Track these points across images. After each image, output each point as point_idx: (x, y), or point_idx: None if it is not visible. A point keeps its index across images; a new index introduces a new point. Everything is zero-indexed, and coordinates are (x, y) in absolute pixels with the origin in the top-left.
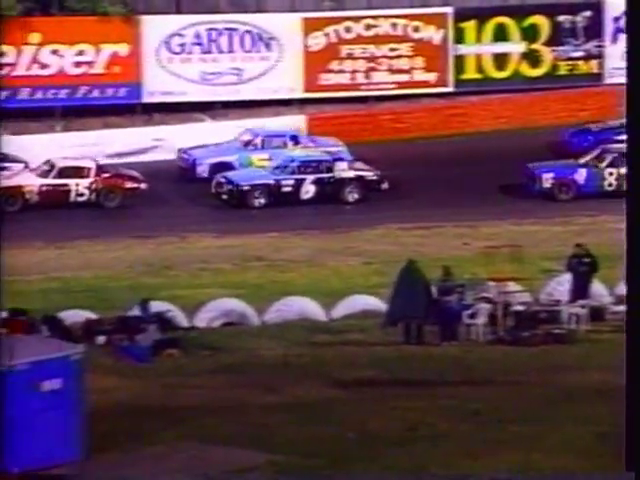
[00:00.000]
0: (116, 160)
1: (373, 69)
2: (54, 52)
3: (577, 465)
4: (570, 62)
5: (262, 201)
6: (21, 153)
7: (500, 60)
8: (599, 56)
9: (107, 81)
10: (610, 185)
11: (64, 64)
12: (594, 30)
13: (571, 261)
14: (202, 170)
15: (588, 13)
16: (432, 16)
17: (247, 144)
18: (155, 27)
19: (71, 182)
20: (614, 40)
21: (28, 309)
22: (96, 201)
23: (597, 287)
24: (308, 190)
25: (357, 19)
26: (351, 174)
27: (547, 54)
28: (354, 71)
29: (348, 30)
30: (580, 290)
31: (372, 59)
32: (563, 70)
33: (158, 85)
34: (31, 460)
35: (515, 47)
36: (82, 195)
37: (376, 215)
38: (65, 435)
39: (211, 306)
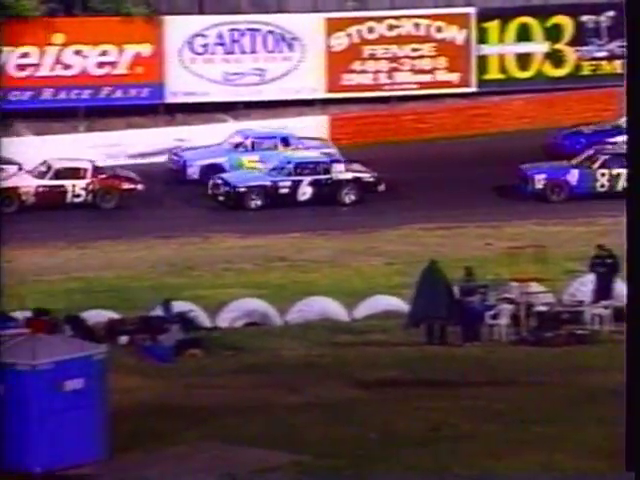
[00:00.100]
0: (139, 160)
1: (396, 69)
2: (77, 53)
3: (599, 466)
4: (593, 62)
5: (258, 203)
6: (20, 154)
7: (523, 60)
8: (623, 56)
9: (130, 81)
10: (602, 186)
11: (87, 65)
12: (618, 30)
13: (594, 262)
14: (193, 172)
15: (611, 13)
16: (455, 16)
17: (237, 146)
18: (178, 27)
19: (68, 183)
20: None
21: (51, 309)
22: (93, 202)
23: (620, 288)
24: (305, 192)
25: (380, 19)
26: (348, 176)
27: (570, 54)
28: (377, 71)
29: (371, 30)
30: (603, 291)
31: (395, 59)
32: (586, 70)
33: (181, 85)
34: (54, 460)
35: (538, 47)
36: (79, 196)
37: (398, 215)
38: (87, 435)
39: (233, 306)
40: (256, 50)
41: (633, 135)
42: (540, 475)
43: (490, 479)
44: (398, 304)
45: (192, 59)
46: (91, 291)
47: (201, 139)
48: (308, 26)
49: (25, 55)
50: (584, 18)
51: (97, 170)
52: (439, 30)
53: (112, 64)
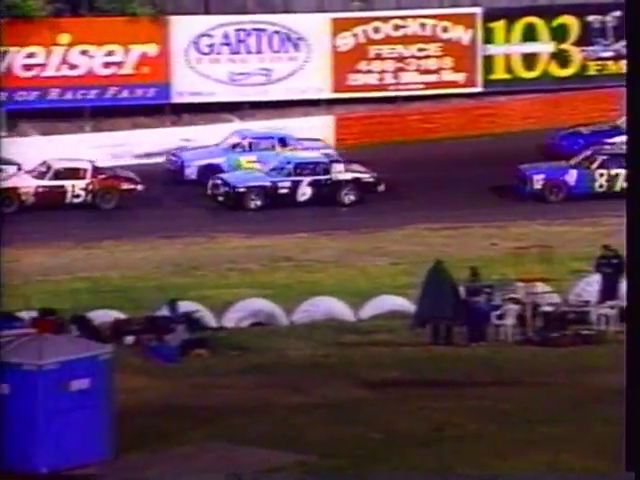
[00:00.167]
0: (145, 160)
1: (401, 69)
2: (83, 53)
3: (606, 466)
4: (600, 62)
5: (258, 203)
6: (18, 155)
7: (529, 60)
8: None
9: (136, 81)
10: (601, 186)
11: (93, 65)
12: (624, 30)
13: (599, 262)
14: (190, 172)
15: (618, 13)
16: (461, 16)
17: (235, 146)
18: (184, 28)
19: (67, 183)
20: None
21: (57, 309)
22: (92, 202)
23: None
24: (305, 192)
25: (386, 19)
26: (348, 176)
27: (576, 54)
28: (382, 71)
29: (377, 30)
30: (609, 291)
31: (400, 59)
32: (592, 70)
33: (187, 85)
34: (59, 460)
35: (544, 47)
36: (78, 196)
37: (404, 215)
38: (93, 435)
39: (239, 306)
40: (262, 50)
41: (633, 135)
42: (545, 475)
43: (495, 479)
44: (404, 304)
45: (198, 59)
46: (97, 291)
47: (207, 139)
48: (314, 26)
49: (31, 55)
50: (590, 18)
51: (97, 170)
52: (445, 30)
53: (118, 64)
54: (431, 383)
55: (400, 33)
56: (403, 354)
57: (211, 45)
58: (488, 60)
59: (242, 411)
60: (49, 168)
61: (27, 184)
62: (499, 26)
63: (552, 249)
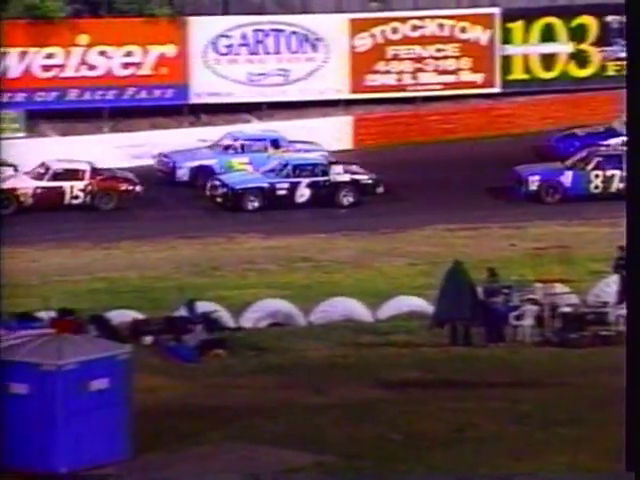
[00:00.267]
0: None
1: (420, 70)
2: (102, 53)
3: (622, 468)
4: (618, 62)
5: (256, 204)
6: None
7: (548, 60)
8: None
9: (154, 82)
10: (596, 187)
11: (112, 65)
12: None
13: (618, 262)
14: (182, 174)
15: None
16: (479, 17)
17: (227, 148)
18: (202, 28)
19: (66, 184)
20: None
21: (75, 309)
22: (91, 203)
23: None
24: (303, 193)
25: (404, 20)
26: (346, 178)
27: (595, 54)
28: (401, 72)
29: (395, 31)
30: None
31: (419, 60)
32: (611, 70)
33: (205, 86)
34: (78, 460)
35: (563, 47)
36: (77, 197)
37: (422, 216)
38: (112, 435)
39: (257, 307)
40: (280, 51)
41: (633, 135)
42: (565, 476)
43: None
44: (422, 305)
45: (216, 60)
46: (115, 291)
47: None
48: (332, 27)
49: (50, 56)
50: (609, 18)
51: (95, 171)
52: (463, 30)
53: (137, 65)
54: (450, 384)
55: (418, 33)
56: (421, 355)
57: (229, 46)
58: (506, 60)
59: (260, 411)
60: (48, 169)
61: (25, 185)
62: (517, 26)
63: (571, 250)
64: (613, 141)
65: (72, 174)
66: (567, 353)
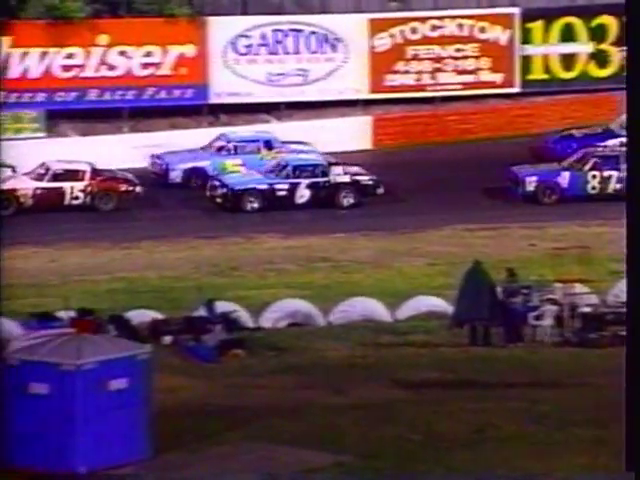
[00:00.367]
0: None
1: (439, 70)
2: (122, 53)
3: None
4: None
5: (255, 205)
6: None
7: (567, 60)
8: None
9: (174, 82)
10: (593, 188)
11: (132, 65)
12: None
13: None
14: (175, 175)
15: None
16: (499, 16)
17: (220, 149)
18: (221, 28)
19: (66, 185)
20: None
21: (95, 309)
22: (91, 204)
23: None
24: (303, 194)
25: (423, 20)
26: (346, 178)
27: (615, 54)
28: (420, 72)
29: (414, 31)
30: None
31: (438, 60)
32: None
33: (224, 86)
34: (98, 460)
35: (583, 47)
36: (77, 198)
37: (442, 216)
38: (131, 434)
39: (276, 307)
40: (299, 51)
41: (633, 136)
42: (583, 476)
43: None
44: (441, 305)
45: (235, 60)
46: (135, 291)
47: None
48: (351, 27)
49: (70, 56)
50: None
51: (95, 172)
52: (482, 30)
53: (156, 65)
54: (469, 384)
55: (437, 33)
56: (440, 355)
57: (249, 46)
58: (526, 60)
59: (279, 411)
60: (48, 170)
61: (25, 186)
62: (537, 26)
63: (590, 250)
64: (610, 142)
65: (72, 175)
66: (586, 353)
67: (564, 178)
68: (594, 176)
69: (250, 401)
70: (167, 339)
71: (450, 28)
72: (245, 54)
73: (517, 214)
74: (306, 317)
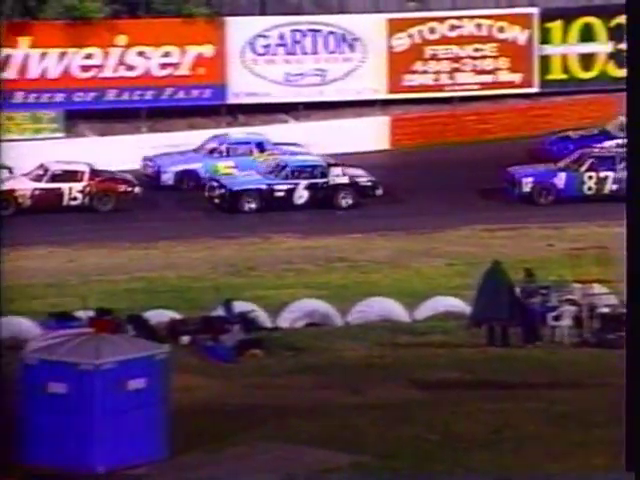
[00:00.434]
0: None
1: (457, 70)
2: (140, 54)
3: None
4: None
5: (252, 206)
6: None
7: (586, 60)
8: None
9: (192, 82)
10: (590, 189)
11: (150, 66)
12: None
13: None
14: (167, 178)
15: None
16: (517, 16)
17: (212, 151)
18: (240, 28)
19: (64, 186)
20: None
21: (114, 309)
22: (90, 205)
23: None
24: (301, 195)
25: (441, 20)
26: (345, 179)
27: None
28: (438, 72)
29: (432, 31)
30: None
31: (456, 60)
32: None
33: (242, 86)
34: (116, 459)
35: (602, 47)
36: (75, 199)
37: (460, 216)
38: (149, 434)
39: (294, 307)
40: (317, 51)
41: (633, 136)
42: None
43: None
44: (459, 305)
45: (254, 60)
46: (153, 291)
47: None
48: (369, 27)
49: (89, 56)
50: None
51: (94, 173)
52: (501, 30)
53: (174, 65)
54: (487, 384)
55: (456, 33)
56: (458, 355)
57: (267, 46)
58: (545, 60)
59: (297, 411)
60: (46, 171)
61: (24, 187)
62: (556, 26)
63: (609, 250)
64: (607, 144)
65: (71, 175)
66: (605, 354)
67: (560, 179)
68: (590, 177)
69: (268, 401)
70: (185, 339)
71: (468, 28)
72: (263, 54)
73: (535, 214)
74: (324, 317)
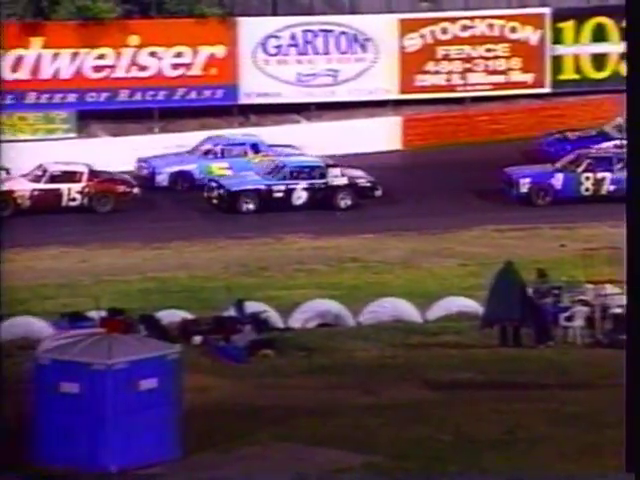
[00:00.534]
0: None
1: (469, 70)
2: (152, 54)
3: None
4: None
5: (250, 207)
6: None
7: (599, 60)
8: None
9: (204, 83)
10: (587, 190)
11: (162, 66)
12: None
13: None
14: (162, 179)
15: None
16: (529, 16)
17: (207, 153)
18: (251, 29)
19: (63, 187)
20: None
21: (126, 309)
22: (88, 206)
23: None
24: (300, 196)
25: (453, 20)
26: (344, 180)
27: None
28: (450, 72)
29: (444, 31)
30: None
31: (468, 60)
32: None
33: (254, 87)
34: (128, 459)
35: (614, 47)
36: (74, 200)
37: (472, 216)
38: (161, 434)
39: (306, 307)
40: (329, 51)
41: (633, 137)
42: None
43: None
44: (472, 305)
45: (266, 60)
46: (165, 291)
47: (275, 140)
48: (381, 27)
49: (101, 57)
50: None
51: (93, 174)
52: (513, 30)
53: (186, 65)
54: (500, 385)
55: (468, 34)
56: (471, 356)
57: (279, 46)
58: (557, 60)
59: (309, 412)
60: (45, 171)
61: (23, 187)
62: (568, 26)
63: (621, 251)
64: (605, 145)
65: (69, 176)
66: (617, 354)
67: (558, 180)
68: (587, 178)
69: (279, 401)
70: (197, 339)
71: (481, 28)
72: (275, 54)
73: (548, 214)
74: (336, 317)
